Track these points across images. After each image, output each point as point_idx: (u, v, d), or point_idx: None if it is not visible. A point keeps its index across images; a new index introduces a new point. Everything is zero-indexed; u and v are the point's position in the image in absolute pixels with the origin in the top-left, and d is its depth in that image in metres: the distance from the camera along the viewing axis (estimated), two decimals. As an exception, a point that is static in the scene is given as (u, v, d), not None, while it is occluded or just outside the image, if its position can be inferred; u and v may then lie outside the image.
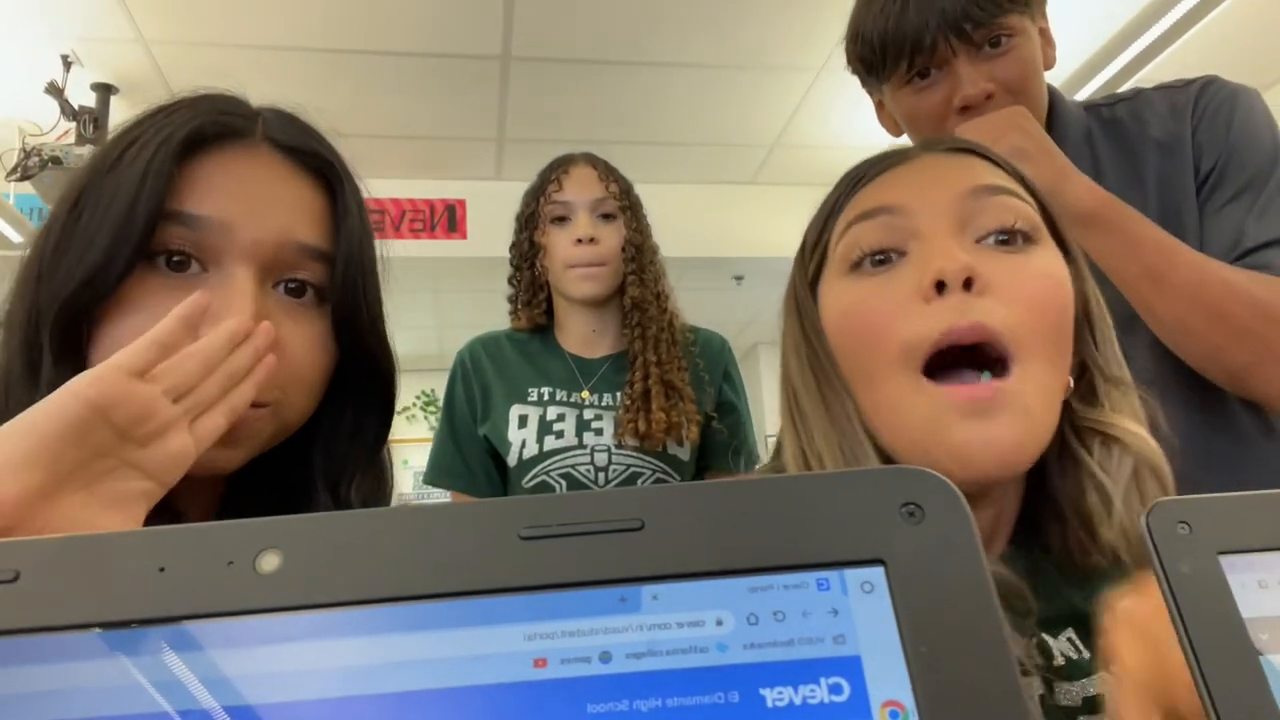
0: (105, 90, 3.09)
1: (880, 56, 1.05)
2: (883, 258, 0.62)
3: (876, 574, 0.19)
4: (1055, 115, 1.09)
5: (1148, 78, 3.25)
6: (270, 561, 0.20)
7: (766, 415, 6.00)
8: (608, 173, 1.51)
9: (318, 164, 0.65)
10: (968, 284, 0.57)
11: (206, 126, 0.60)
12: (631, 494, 0.20)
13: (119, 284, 0.55)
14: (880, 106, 1.21)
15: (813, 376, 0.65)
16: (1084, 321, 0.64)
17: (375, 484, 0.69)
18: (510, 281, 1.55)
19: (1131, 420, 0.62)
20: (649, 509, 0.20)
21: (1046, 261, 0.62)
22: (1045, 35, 1.07)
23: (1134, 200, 0.93)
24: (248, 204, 0.59)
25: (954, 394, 0.57)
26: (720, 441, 1.52)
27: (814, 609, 0.18)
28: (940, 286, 0.57)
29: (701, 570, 0.19)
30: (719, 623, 0.18)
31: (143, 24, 2.81)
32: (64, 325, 0.54)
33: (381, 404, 0.70)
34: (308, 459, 0.65)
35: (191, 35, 2.87)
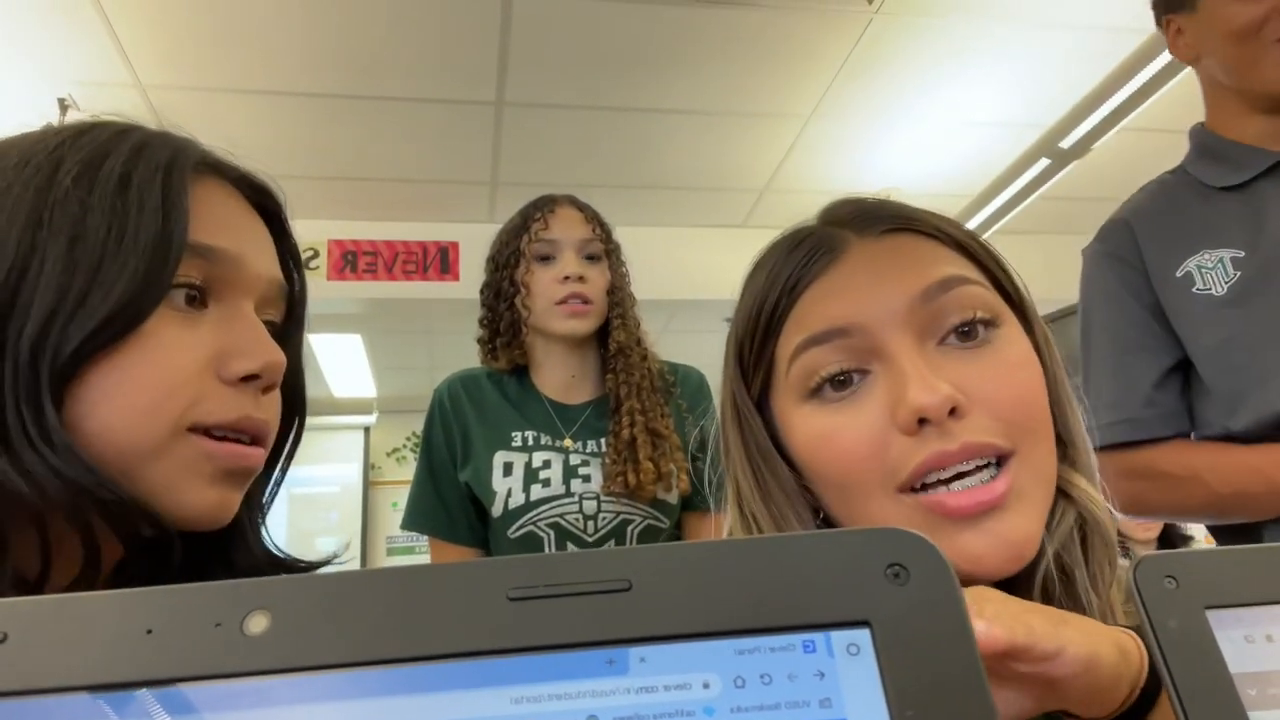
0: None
1: None
2: (844, 378, 0.59)
3: (862, 636, 0.19)
4: None
5: (1131, 125, 3.31)
6: (258, 623, 0.20)
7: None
8: (593, 215, 1.51)
9: (269, 203, 0.63)
10: (951, 412, 0.55)
11: (197, 155, 0.57)
12: (619, 554, 0.21)
13: (146, 322, 0.50)
14: (1179, 34, 1.22)
15: (763, 501, 0.63)
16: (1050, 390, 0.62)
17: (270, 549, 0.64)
18: (482, 323, 1.53)
19: (1083, 479, 0.61)
20: (637, 570, 0.20)
21: (1013, 346, 0.60)
22: None
23: None
24: (248, 238, 0.58)
25: (948, 507, 0.55)
26: (704, 480, 1.50)
27: (800, 671, 0.19)
28: (922, 421, 0.56)
29: (689, 632, 0.19)
30: (706, 685, 0.18)
31: (139, 68, 2.84)
32: (71, 369, 0.48)
33: (293, 446, 0.66)
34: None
35: (187, 80, 2.91)
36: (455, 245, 3.91)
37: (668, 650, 0.19)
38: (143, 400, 0.50)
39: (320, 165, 3.48)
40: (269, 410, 0.56)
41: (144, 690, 0.19)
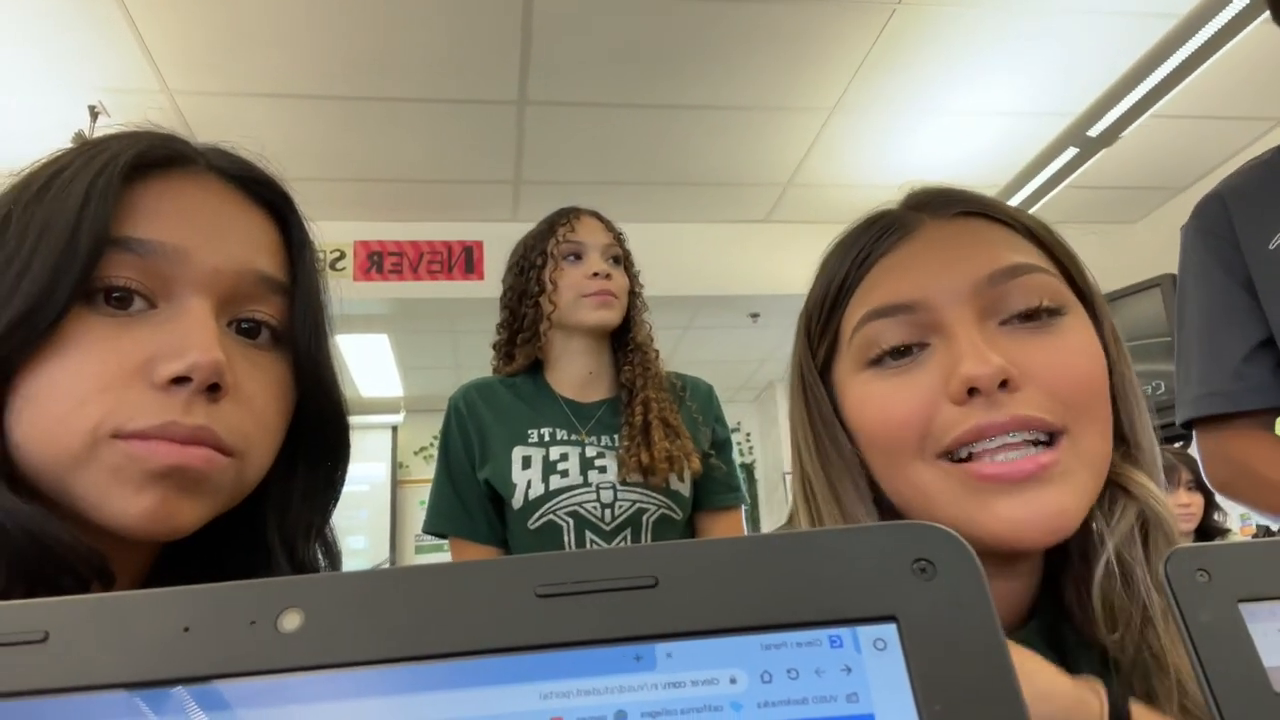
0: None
1: None
2: (903, 349, 0.61)
3: (889, 631, 0.19)
4: None
5: (1160, 112, 3.27)
6: (292, 620, 0.20)
7: (785, 451, 5.98)
8: (611, 224, 1.60)
9: (269, 194, 0.59)
10: (1003, 384, 0.56)
11: (152, 150, 0.54)
12: (646, 551, 0.21)
13: (58, 322, 0.48)
14: None
15: (823, 467, 0.64)
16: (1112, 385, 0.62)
17: (325, 553, 0.62)
18: (501, 326, 1.60)
19: (1146, 477, 0.61)
20: (664, 566, 0.20)
21: (1077, 335, 0.60)
22: None
23: None
24: (203, 230, 0.53)
25: (985, 473, 0.56)
26: (718, 478, 1.55)
27: (827, 667, 0.19)
28: (973, 391, 0.56)
29: (715, 628, 0.19)
30: (733, 681, 0.19)
31: (167, 75, 2.88)
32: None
33: (334, 461, 0.63)
34: (257, 521, 0.58)
35: (215, 86, 2.94)
36: (480, 244, 3.93)
37: (695, 646, 0.19)
38: (57, 408, 0.48)
39: (345, 167, 3.51)
40: (216, 416, 0.50)
41: (181, 687, 0.20)
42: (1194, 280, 1.26)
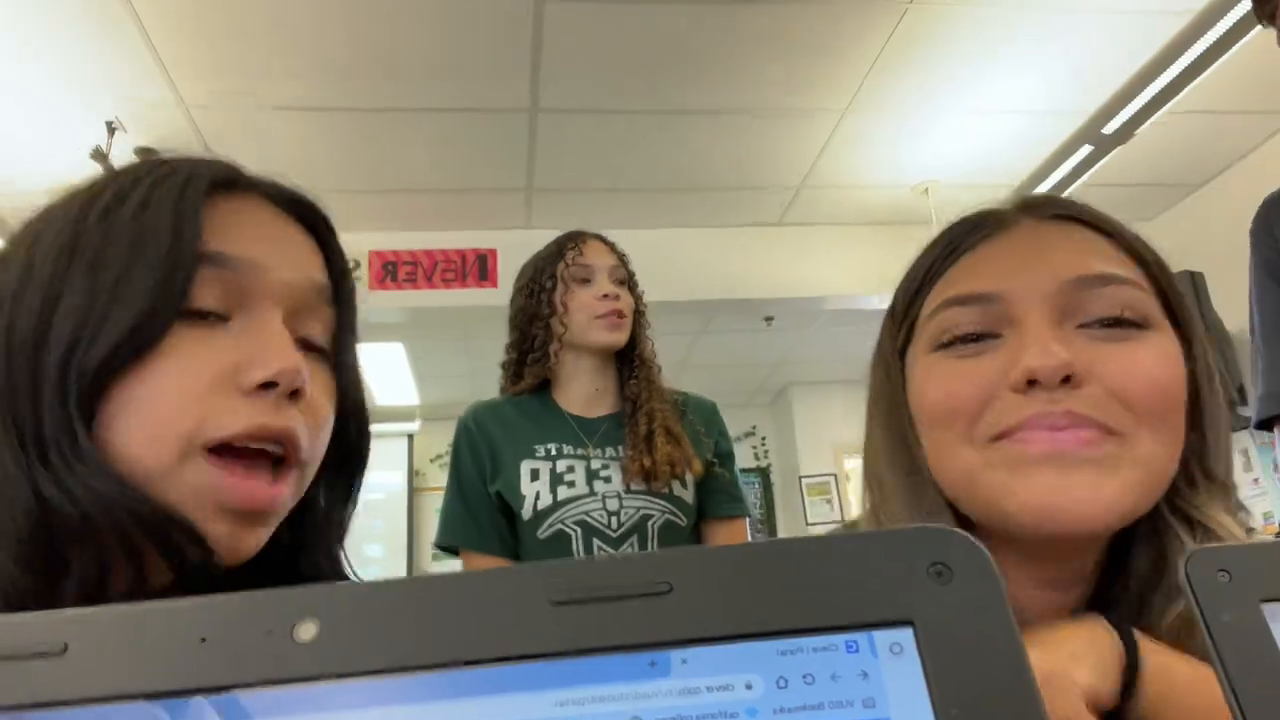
0: (148, 154, 3.19)
1: None
2: (974, 337, 0.60)
3: (905, 635, 0.19)
4: None
5: (1175, 109, 3.24)
6: (308, 630, 0.20)
7: (801, 457, 5.97)
8: (615, 247, 1.66)
9: (311, 217, 0.62)
10: (1066, 380, 0.55)
11: (219, 173, 0.57)
12: (661, 557, 0.21)
13: (163, 337, 0.50)
14: None
15: (895, 447, 0.64)
16: (1191, 406, 0.59)
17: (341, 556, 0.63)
18: (511, 347, 1.66)
19: (1225, 514, 0.59)
20: (677, 572, 0.20)
21: (1158, 348, 0.58)
22: None
23: None
24: (273, 246, 0.57)
25: (1028, 444, 0.55)
26: (722, 488, 1.60)
27: (843, 672, 0.18)
28: (1034, 383, 0.55)
29: (730, 634, 0.19)
30: (749, 686, 0.19)
31: (182, 89, 2.91)
32: (94, 391, 0.49)
33: (356, 470, 0.64)
34: (280, 538, 0.58)
35: (228, 100, 2.97)
36: (493, 252, 3.94)
37: (710, 652, 0.19)
38: (153, 418, 0.50)
39: (359, 178, 3.53)
40: (297, 418, 0.53)
41: (200, 697, 0.20)
42: (1253, 286, 1.29)
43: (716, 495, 1.59)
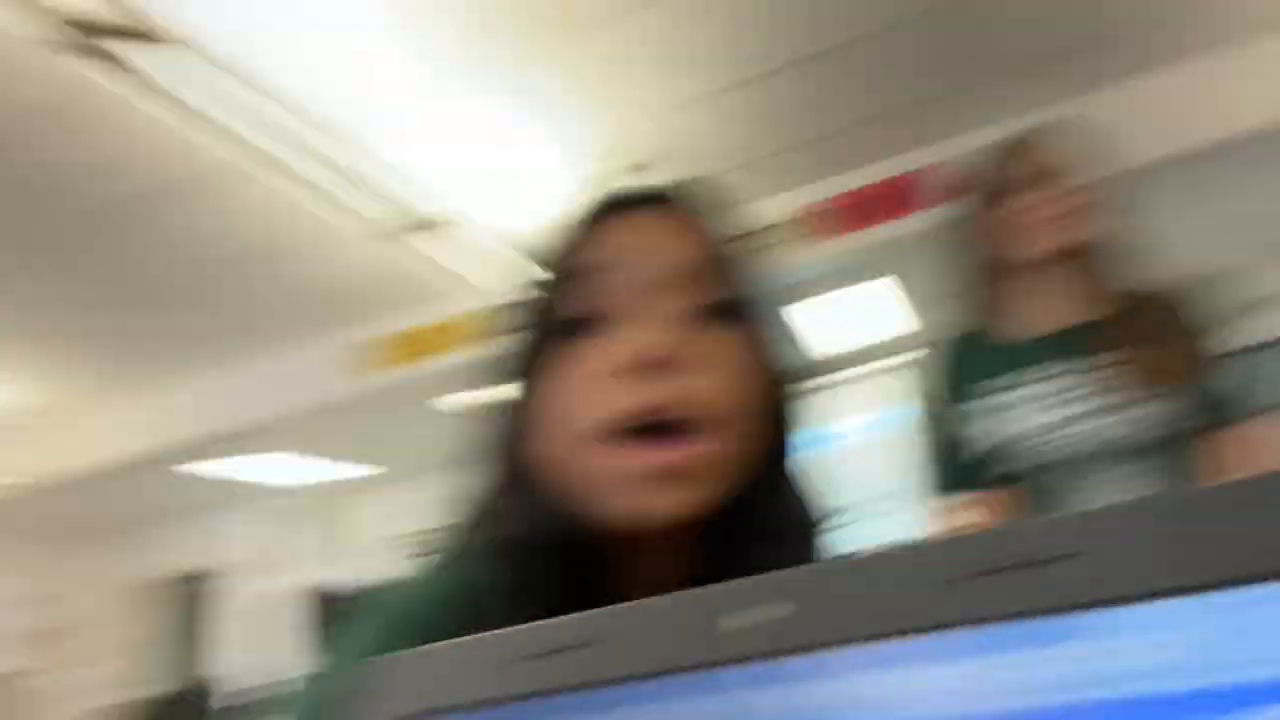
0: (639, 169, 3.58)
1: None
2: None
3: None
4: None
5: None
6: (778, 611, 0.24)
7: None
8: (1042, 144, 1.46)
9: (692, 202, 0.66)
10: None
11: (595, 205, 0.66)
12: (1068, 521, 0.21)
13: (545, 351, 0.60)
14: None
15: None
16: None
17: (807, 525, 0.66)
18: (956, 278, 1.55)
19: None
20: (1089, 535, 0.20)
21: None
22: None
23: None
24: (629, 246, 0.62)
25: None
26: (1216, 389, 1.35)
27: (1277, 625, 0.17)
28: None
29: (1151, 592, 0.19)
30: (1173, 646, 0.18)
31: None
32: (510, 417, 0.62)
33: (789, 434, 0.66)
34: (752, 509, 0.62)
35: (656, 101, 3.25)
36: (941, 166, 3.74)
37: (1133, 613, 0.19)
38: (554, 425, 0.59)
39: (789, 137, 3.61)
40: (676, 387, 0.56)
41: (714, 671, 0.25)
42: None
43: (1211, 400, 1.35)
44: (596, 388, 0.57)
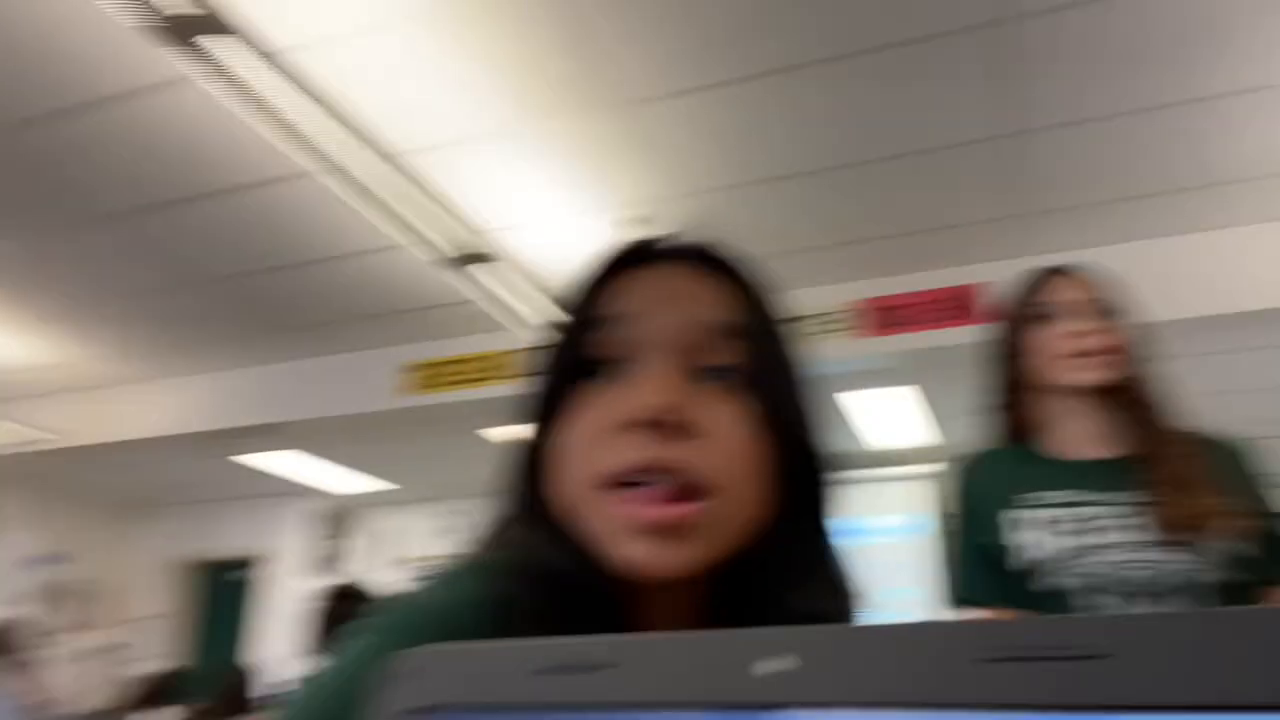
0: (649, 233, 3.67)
1: None
2: None
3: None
4: None
5: None
6: (776, 664, 0.24)
7: None
8: (1086, 279, 1.50)
9: (721, 263, 0.66)
10: None
11: (617, 255, 0.66)
12: (1098, 622, 0.21)
13: (561, 397, 0.61)
14: None
15: None
16: None
17: (828, 594, 0.65)
18: (991, 393, 1.57)
19: None
20: (1120, 636, 0.21)
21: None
22: None
23: None
24: (656, 298, 0.62)
25: None
26: (1271, 541, 1.32)
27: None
28: None
29: (1171, 704, 0.19)
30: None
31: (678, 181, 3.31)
32: (531, 452, 0.63)
33: (817, 507, 0.65)
34: (762, 570, 0.61)
35: (713, 182, 3.31)
36: (983, 285, 3.78)
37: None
38: (565, 467, 0.60)
39: (838, 233, 3.66)
40: (682, 452, 0.56)
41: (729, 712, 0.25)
42: None
43: (1268, 554, 1.33)
44: (602, 439, 0.58)
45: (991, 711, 0.21)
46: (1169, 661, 0.20)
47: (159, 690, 4.45)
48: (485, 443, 5.09)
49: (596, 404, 0.60)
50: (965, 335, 3.80)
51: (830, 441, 0.66)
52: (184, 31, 2.54)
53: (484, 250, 3.76)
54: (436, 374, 4.67)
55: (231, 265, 4.02)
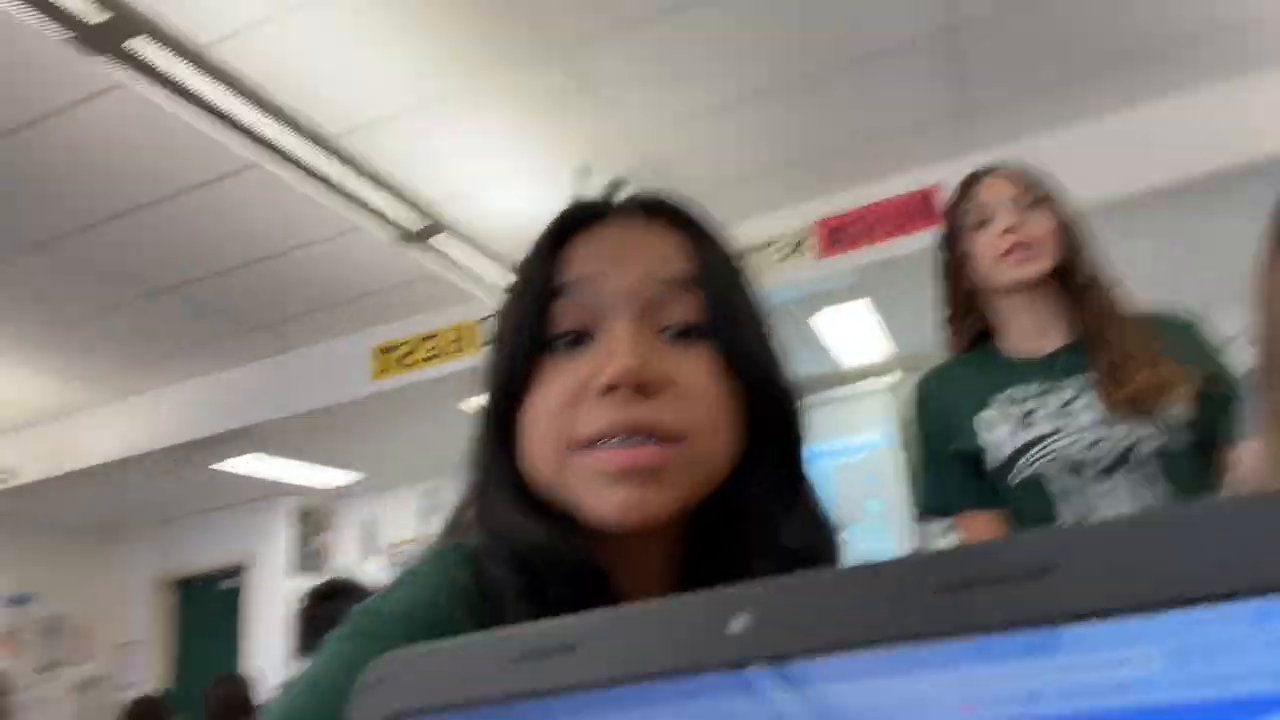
0: (616, 185, 3.64)
1: None
2: None
3: (1321, 600, 0.17)
4: None
5: None
6: (740, 622, 0.24)
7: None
8: (1015, 173, 1.52)
9: (671, 214, 0.68)
10: None
11: (567, 217, 0.67)
12: (1040, 536, 0.21)
13: (531, 371, 0.62)
14: None
15: None
16: None
17: (809, 528, 0.66)
18: (943, 304, 1.61)
19: None
20: (1061, 550, 0.21)
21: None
22: None
23: None
24: (611, 258, 0.63)
25: None
26: (1223, 407, 1.37)
27: (1250, 643, 0.17)
28: None
29: (1123, 607, 0.19)
30: (1145, 661, 0.18)
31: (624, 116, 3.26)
32: (499, 426, 0.64)
33: (792, 444, 0.67)
34: (741, 515, 0.64)
35: (658, 116, 3.26)
36: (936, 187, 3.79)
37: (1101, 629, 0.19)
38: (536, 435, 0.61)
39: (787, 153, 3.64)
40: (656, 407, 0.58)
41: (703, 675, 0.25)
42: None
43: (1221, 415, 1.39)
44: (575, 405, 0.59)
45: (943, 640, 0.20)
46: (1112, 568, 0.20)
47: (146, 714, 4.41)
48: (467, 416, 5.06)
49: (565, 370, 0.61)
50: (911, 244, 3.83)
51: (795, 373, 0.68)
52: (106, 39, 2.47)
53: (440, 220, 3.70)
54: (410, 352, 4.62)
55: (180, 273, 3.94)
